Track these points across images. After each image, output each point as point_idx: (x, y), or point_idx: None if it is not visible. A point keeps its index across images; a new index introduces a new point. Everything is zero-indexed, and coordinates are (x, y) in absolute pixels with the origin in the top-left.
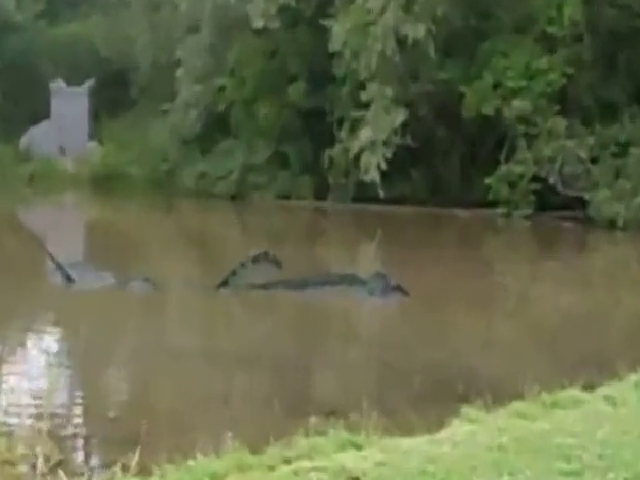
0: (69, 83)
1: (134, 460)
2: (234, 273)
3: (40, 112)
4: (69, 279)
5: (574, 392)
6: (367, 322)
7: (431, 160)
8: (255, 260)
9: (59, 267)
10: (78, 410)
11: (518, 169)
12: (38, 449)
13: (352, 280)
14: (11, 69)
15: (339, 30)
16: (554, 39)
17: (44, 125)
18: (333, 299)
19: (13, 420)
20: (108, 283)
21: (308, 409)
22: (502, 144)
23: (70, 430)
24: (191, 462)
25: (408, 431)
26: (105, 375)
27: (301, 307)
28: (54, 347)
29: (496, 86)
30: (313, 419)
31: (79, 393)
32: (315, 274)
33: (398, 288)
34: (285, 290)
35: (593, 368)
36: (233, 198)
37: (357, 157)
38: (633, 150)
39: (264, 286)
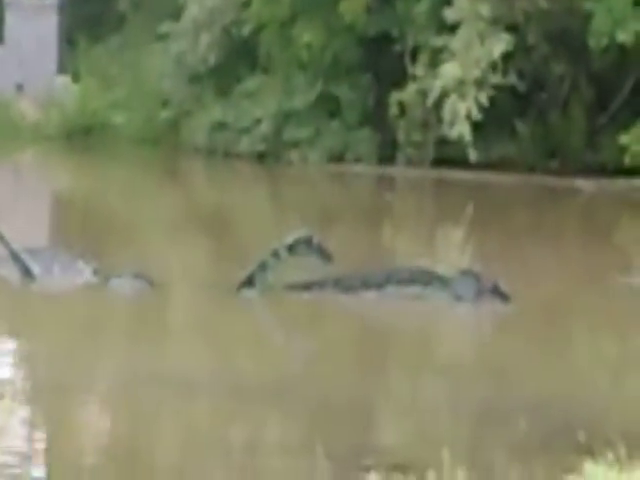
0: None
1: None
2: (263, 267)
3: None
4: (28, 274)
5: None
6: (450, 342)
7: (544, 109)
8: (293, 249)
9: (14, 256)
10: (41, 462)
11: None
12: None
13: (430, 278)
14: None
15: None
16: None
17: None
18: (403, 307)
19: None
20: (84, 279)
21: (366, 462)
22: None
23: None
24: None
25: None
26: (78, 415)
27: (357, 318)
28: (4, 373)
29: (638, 2)
30: (373, 476)
31: (42, 439)
32: (377, 270)
33: (496, 291)
34: (335, 293)
35: None
36: (262, 159)
37: (439, 103)
38: None
39: (305, 286)
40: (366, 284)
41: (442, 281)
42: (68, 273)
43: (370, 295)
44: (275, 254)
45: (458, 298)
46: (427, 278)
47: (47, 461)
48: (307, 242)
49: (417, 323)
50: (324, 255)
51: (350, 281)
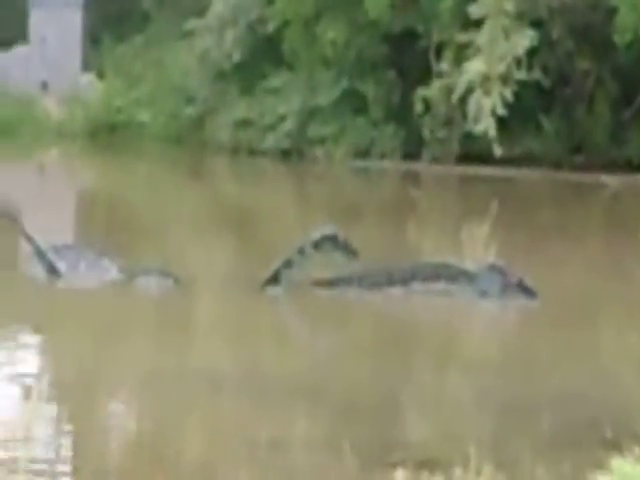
0: None
1: None
2: (288, 264)
3: (15, 33)
4: (54, 271)
5: None
6: (476, 337)
7: (569, 104)
8: (318, 245)
9: (40, 254)
10: (68, 460)
11: None
12: None
13: (455, 274)
14: None
15: None
16: None
17: (20, 51)
18: (428, 302)
19: None
20: (110, 277)
21: (392, 458)
22: None
23: None
24: None
25: None
26: (105, 412)
27: (383, 314)
28: (31, 371)
29: None
30: (400, 473)
31: (68, 437)
32: (402, 266)
33: (522, 287)
34: (360, 289)
35: None
36: (287, 156)
37: (463, 99)
38: None
39: (331, 283)
40: (391, 280)
41: (468, 276)
42: (94, 271)
43: (395, 291)
44: (300, 251)
45: (484, 293)
46: (453, 273)
47: (73, 461)
48: (333, 239)
49: (443, 319)
50: (350, 251)
51: (375, 277)
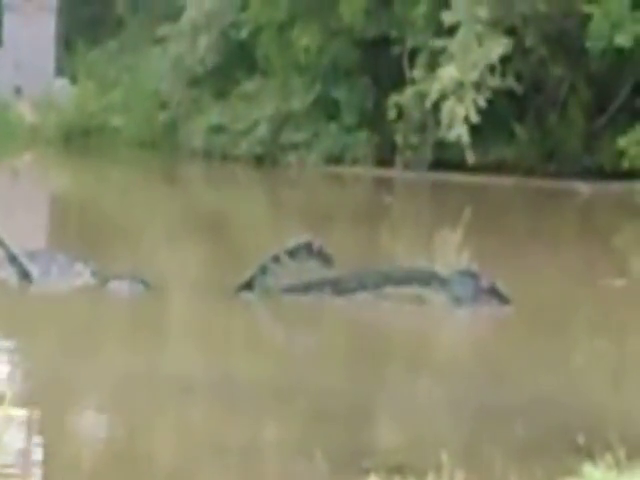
0: None
1: None
2: (263, 270)
3: None
4: (26, 276)
5: None
6: (448, 343)
7: (542, 111)
8: (294, 254)
9: (12, 258)
10: (39, 466)
11: None
12: None
13: (428, 278)
14: None
15: None
16: None
17: None
18: (400, 308)
19: None
20: (83, 281)
21: (364, 464)
22: None
23: None
24: None
25: None
26: (77, 417)
27: (355, 320)
28: (2, 376)
29: (637, 4)
30: (372, 479)
31: (40, 443)
32: (374, 271)
33: (495, 292)
34: (333, 295)
35: None
36: (260, 162)
37: (437, 105)
38: None
39: (303, 289)
40: (363, 285)
41: (440, 281)
42: (66, 275)
43: (367, 296)
44: (276, 259)
45: (456, 298)
46: (425, 278)
47: (45, 467)
48: (308, 247)
49: (415, 324)
50: (325, 259)
51: (347, 282)
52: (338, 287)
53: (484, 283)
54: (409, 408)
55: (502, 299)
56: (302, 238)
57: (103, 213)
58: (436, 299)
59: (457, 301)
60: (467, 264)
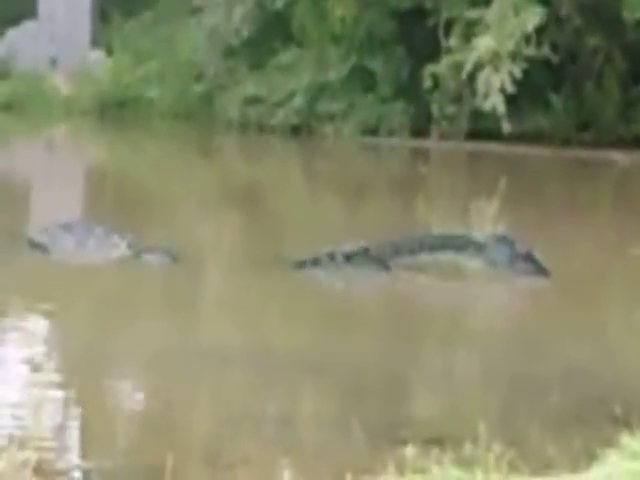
0: None
1: None
2: (316, 262)
3: (23, 9)
4: (40, 248)
5: None
6: (484, 315)
7: (578, 81)
8: (350, 257)
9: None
10: (76, 436)
11: None
12: None
13: (463, 244)
14: None
15: None
16: None
17: (28, 27)
18: (435, 279)
19: None
20: (119, 253)
21: (401, 435)
22: None
23: (65, 463)
24: None
25: (544, 468)
26: (112, 387)
27: (391, 292)
28: (39, 347)
29: None
30: (409, 450)
31: (77, 411)
32: (409, 237)
33: (531, 259)
34: (367, 263)
35: None
36: (296, 133)
37: (472, 76)
38: None
39: (332, 257)
40: (398, 252)
41: (476, 246)
42: (103, 247)
43: (403, 266)
44: (331, 255)
45: (492, 263)
46: (461, 243)
47: (82, 440)
48: (364, 252)
49: (450, 296)
50: (381, 265)
51: (382, 249)
52: (373, 254)
53: (520, 249)
54: (445, 380)
55: (538, 267)
56: (359, 243)
57: (139, 185)
58: (472, 264)
59: (493, 266)
60: (503, 231)
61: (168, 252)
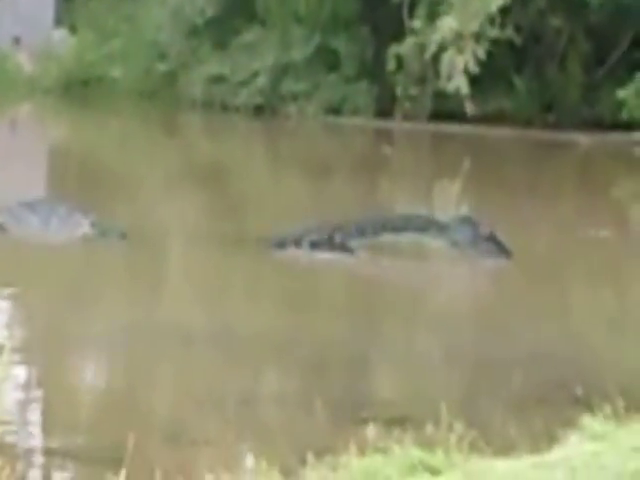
0: None
1: None
2: (281, 245)
3: None
4: None
5: None
6: (446, 296)
7: (541, 63)
8: (315, 245)
9: None
10: (38, 414)
11: None
12: None
13: (426, 224)
14: None
15: None
16: None
17: None
18: (398, 260)
19: None
20: (82, 232)
21: (363, 415)
22: None
23: (28, 444)
24: None
25: (505, 449)
26: (74, 366)
27: (354, 273)
28: (0, 327)
29: None
30: (370, 430)
31: (38, 391)
32: (372, 218)
33: (493, 240)
34: (331, 246)
35: None
36: (259, 112)
37: (436, 56)
38: None
39: (298, 240)
40: (362, 233)
41: (439, 227)
42: (66, 226)
43: (367, 246)
44: (297, 241)
45: (455, 244)
46: (423, 224)
47: (44, 417)
48: (330, 240)
49: (413, 277)
50: (346, 251)
51: (346, 230)
52: (337, 236)
53: (483, 230)
54: (408, 360)
55: (501, 247)
56: (325, 231)
57: (102, 163)
58: (434, 245)
59: (456, 246)
60: (466, 212)
61: (122, 232)
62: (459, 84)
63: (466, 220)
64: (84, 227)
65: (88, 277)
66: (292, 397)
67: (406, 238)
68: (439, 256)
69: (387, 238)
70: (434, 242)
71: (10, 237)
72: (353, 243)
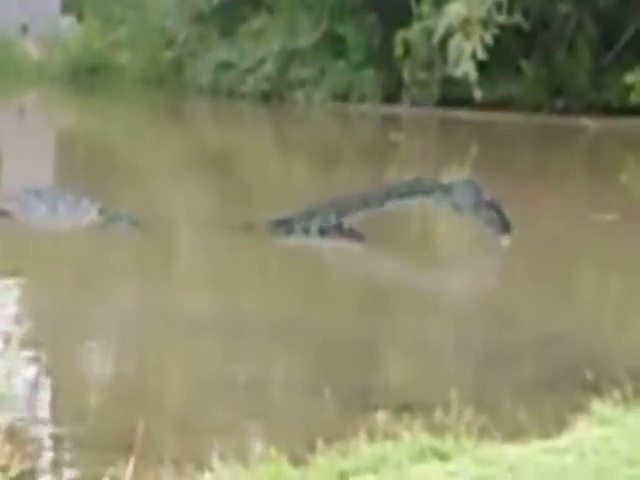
0: None
1: (127, 471)
2: (289, 230)
3: None
4: (5, 215)
5: None
6: (453, 283)
7: (549, 48)
8: (324, 231)
9: None
10: (48, 401)
11: None
12: None
13: (430, 187)
14: None
15: None
16: None
17: None
18: (405, 245)
19: None
20: (90, 219)
21: (373, 402)
22: None
23: (37, 431)
24: (207, 476)
25: (515, 435)
26: (84, 354)
27: (362, 259)
28: (9, 315)
29: None
30: (380, 416)
31: (48, 378)
32: (376, 188)
33: (495, 207)
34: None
35: None
36: (266, 99)
37: (444, 42)
38: None
39: (309, 215)
40: (367, 203)
41: (443, 189)
42: (73, 213)
43: (372, 213)
44: (306, 229)
45: (457, 206)
46: (427, 187)
47: (53, 404)
48: (338, 227)
49: (420, 263)
50: (356, 238)
51: (351, 202)
52: (340, 207)
53: (486, 196)
54: (417, 346)
55: (502, 217)
56: (332, 219)
57: (109, 151)
58: (439, 207)
59: (458, 209)
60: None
61: (132, 219)
62: (467, 70)
63: (469, 183)
64: (92, 214)
65: (97, 264)
66: (301, 384)
67: (412, 202)
68: (443, 219)
69: (391, 206)
70: (439, 205)
71: (17, 224)
72: (359, 215)
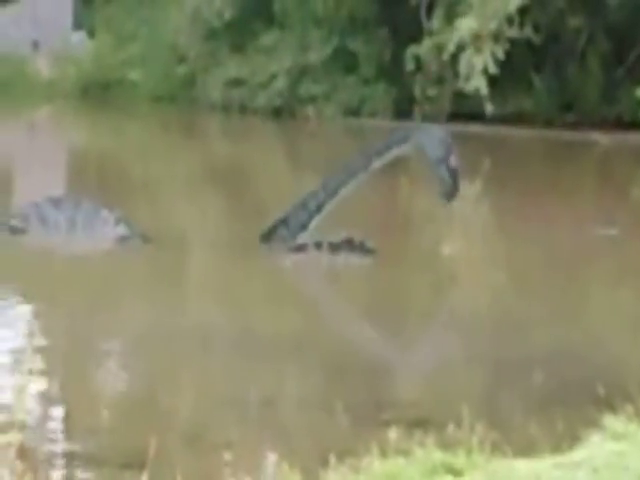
0: None
1: None
2: (301, 248)
3: None
4: (15, 229)
5: None
6: (466, 298)
7: (561, 62)
8: (335, 247)
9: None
10: (60, 419)
11: None
12: (5, 472)
13: (407, 134)
14: None
15: None
16: None
17: (11, 10)
18: (416, 261)
19: None
20: (109, 229)
21: (385, 417)
22: None
23: (50, 447)
24: None
25: (527, 450)
26: (96, 370)
27: (375, 276)
28: (21, 332)
29: None
30: (392, 432)
31: (60, 395)
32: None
33: (453, 172)
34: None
35: None
36: (278, 114)
37: (455, 57)
38: None
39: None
40: (353, 173)
41: (415, 131)
42: (92, 223)
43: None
44: (318, 245)
45: (419, 147)
46: (402, 136)
47: (66, 420)
48: (349, 242)
49: (430, 276)
50: (366, 252)
51: (336, 179)
52: (329, 187)
53: (452, 160)
54: (429, 362)
55: (455, 185)
56: (342, 233)
57: (121, 167)
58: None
59: (420, 150)
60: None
61: (145, 235)
62: (478, 84)
63: (443, 140)
64: (110, 224)
65: (109, 282)
66: (313, 399)
67: (392, 155)
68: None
69: (376, 165)
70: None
71: (33, 241)
72: (350, 188)
